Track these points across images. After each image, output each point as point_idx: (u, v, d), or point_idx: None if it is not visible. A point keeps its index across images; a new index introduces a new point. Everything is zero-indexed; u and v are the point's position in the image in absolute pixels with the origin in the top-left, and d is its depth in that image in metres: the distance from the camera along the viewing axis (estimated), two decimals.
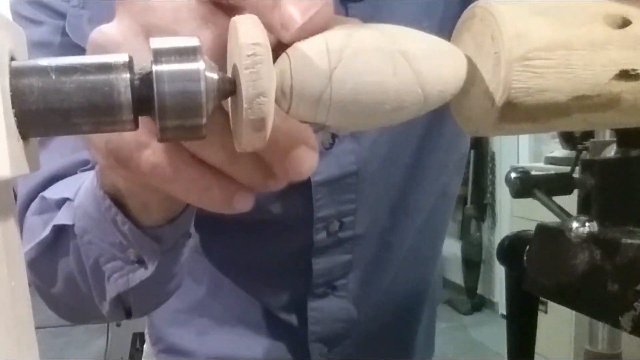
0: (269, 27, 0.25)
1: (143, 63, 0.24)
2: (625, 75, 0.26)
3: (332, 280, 0.63)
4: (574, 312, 0.51)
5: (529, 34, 0.25)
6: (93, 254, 0.43)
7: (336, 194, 0.58)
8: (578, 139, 0.54)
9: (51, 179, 0.52)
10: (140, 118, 0.24)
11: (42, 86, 0.22)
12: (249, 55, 0.23)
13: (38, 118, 0.22)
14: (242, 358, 0.66)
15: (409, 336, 0.72)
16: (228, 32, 0.26)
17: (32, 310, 0.25)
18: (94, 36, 0.29)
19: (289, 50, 0.25)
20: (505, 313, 0.53)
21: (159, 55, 0.23)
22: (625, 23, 0.27)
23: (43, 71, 0.22)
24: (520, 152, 3.57)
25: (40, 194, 0.50)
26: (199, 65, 0.23)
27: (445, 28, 0.29)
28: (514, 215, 2.92)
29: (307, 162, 0.29)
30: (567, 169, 0.48)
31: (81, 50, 0.53)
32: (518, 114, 0.26)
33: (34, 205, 0.50)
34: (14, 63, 0.22)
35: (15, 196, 0.50)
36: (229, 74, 0.26)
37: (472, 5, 0.27)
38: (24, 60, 0.23)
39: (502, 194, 3.74)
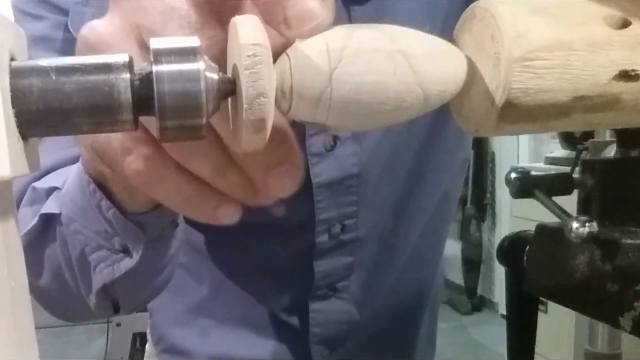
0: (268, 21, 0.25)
1: (143, 63, 0.24)
2: (625, 75, 0.26)
3: (334, 282, 0.63)
4: (574, 312, 0.51)
5: (529, 34, 0.25)
6: (79, 243, 0.43)
7: (338, 196, 0.58)
8: (578, 139, 0.54)
9: (45, 174, 0.51)
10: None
11: (42, 86, 0.22)
12: (249, 56, 0.23)
13: (38, 118, 0.22)
14: (243, 359, 0.66)
15: (410, 337, 0.72)
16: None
17: (32, 310, 0.25)
18: (85, 32, 0.30)
19: (288, 51, 0.25)
20: (505, 313, 0.53)
21: (159, 56, 0.23)
22: (625, 24, 0.27)
23: (43, 71, 0.22)
24: (520, 152, 3.57)
25: (32, 184, 0.49)
26: (199, 65, 0.23)
27: (448, 29, 0.29)
28: (514, 215, 2.92)
29: (289, 181, 0.29)
30: (567, 169, 0.48)
31: None
32: (518, 114, 0.26)
33: (26, 196, 0.50)
34: (14, 63, 0.22)
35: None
36: (229, 74, 0.26)
37: (472, 5, 0.27)
38: (24, 60, 0.23)
39: (502, 194, 3.74)
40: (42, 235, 0.47)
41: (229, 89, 0.25)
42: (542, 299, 0.48)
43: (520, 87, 0.25)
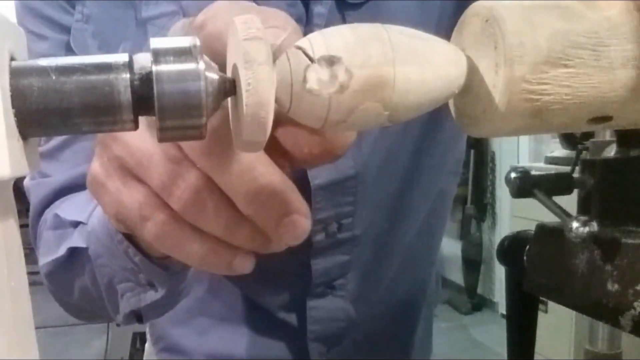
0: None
1: (143, 63, 0.24)
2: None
3: (331, 280, 0.63)
4: (574, 312, 0.51)
5: (530, 35, 0.25)
6: (106, 274, 0.45)
7: (335, 196, 0.58)
8: (578, 139, 0.54)
9: (62, 189, 0.54)
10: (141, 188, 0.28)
11: (42, 86, 0.22)
12: (245, 33, 0.23)
13: (38, 118, 0.22)
14: (241, 357, 0.66)
15: (407, 335, 0.72)
16: (229, 32, 0.26)
17: (32, 310, 0.25)
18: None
19: (289, 51, 0.25)
20: (505, 313, 0.53)
21: (159, 56, 0.23)
22: None
23: (43, 71, 0.22)
24: (520, 152, 3.57)
25: (55, 212, 0.52)
26: (199, 65, 0.23)
27: (442, 30, 0.29)
28: (514, 215, 2.92)
29: (300, 229, 0.31)
30: (567, 169, 0.48)
31: None
32: (518, 114, 0.26)
33: (49, 220, 0.53)
34: (14, 63, 0.22)
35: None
36: (229, 74, 0.26)
37: (473, 5, 0.27)
38: (24, 60, 0.23)
39: (502, 194, 3.74)
40: (70, 264, 0.50)
41: (229, 89, 0.25)
42: (542, 299, 0.48)
43: (521, 87, 0.25)
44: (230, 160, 0.29)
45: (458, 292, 4.06)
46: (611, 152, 0.43)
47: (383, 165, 0.60)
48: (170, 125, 0.24)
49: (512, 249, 0.48)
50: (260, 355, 0.66)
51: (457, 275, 4.10)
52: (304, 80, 0.24)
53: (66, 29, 0.56)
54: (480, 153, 3.87)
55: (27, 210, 0.55)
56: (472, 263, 3.90)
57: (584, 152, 0.48)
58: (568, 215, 0.39)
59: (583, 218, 0.37)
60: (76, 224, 0.50)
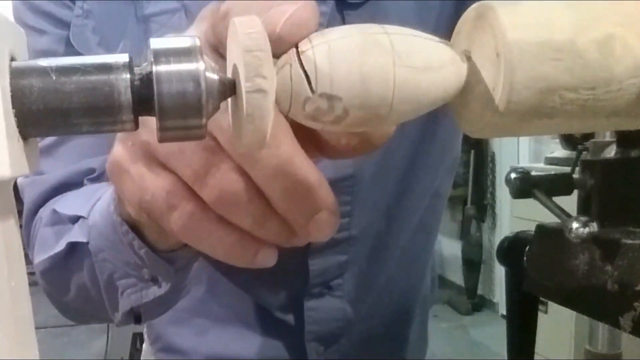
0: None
1: (143, 63, 0.24)
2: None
3: (328, 281, 0.64)
4: (574, 312, 0.51)
5: (527, 22, 0.25)
6: (107, 270, 0.44)
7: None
8: (578, 139, 0.54)
9: (58, 186, 0.53)
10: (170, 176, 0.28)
11: (42, 86, 0.22)
12: (249, 56, 0.23)
13: (38, 118, 0.22)
14: (239, 357, 0.66)
15: (402, 334, 0.72)
16: (228, 32, 0.26)
17: (32, 310, 0.25)
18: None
19: (292, 70, 0.25)
20: (505, 313, 0.53)
21: (159, 56, 0.23)
22: None
23: (43, 71, 0.22)
24: (520, 152, 3.57)
25: (52, 208, 0.51)
26: (199, 65, 0.23)
27: (440, 30, 0.29)
28: (514, 216, 2.92)
29: (329, 226, 0.31)
30: (567, 169, 0.48)
31: None
32: (523, 102, 0.25)
33: (46, 216, 0.52)
34: (14, 63, 0.22)
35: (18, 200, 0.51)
36: (229, 74, 0.26)
37: (473, 5, 0.27)
38: (24, 61, 0.23)
39: (502, 194, 3.74)
40: (68, 260, 0.48)
41: (229, 89, 0.25)
42: (542, 299, 0.48)
43: (523, 72, 0.25)
44: (266, 154, 0.28)
45: (458, 293, 4.06)
46: (611, 152, 0.43)
47: (380, 164, 0.60)
48: (170, 125, 0.24)
49: (512, 249, 0.48)
50: (258, 355, 0.66)
51: (457, 276, 4.10)
52: (303, 105, 0.25)
53: (66, 24, 0.55)
54: (480, 153, 3.87)
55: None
56: (472, 263, 3.90)
57: (584, 152, 0.48)
58: (568, 215, 0.39)
59: (583, 218, 0.37)
60: (76, 219, 0.49)
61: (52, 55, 0.54)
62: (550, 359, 2.19)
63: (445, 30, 0.29)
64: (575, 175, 0.44)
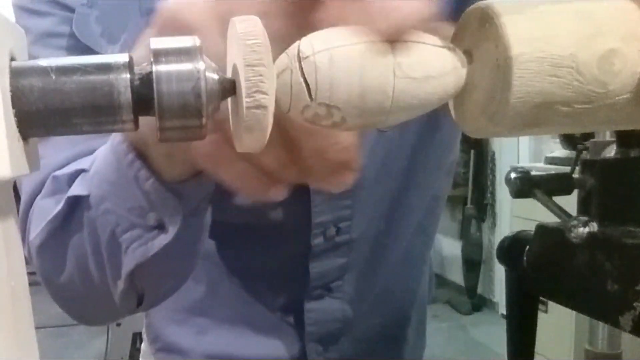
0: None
1: (143, 63, 0.24)
2: None
3: (328, 283, 0.64)
4: (574, 312, 0.51)
5: (531, 36, 0.25)
6: (109, 224, 0.42)
7: (333, 200, 0.59)
8: (578, 139, 0.54)
9: (61, 167, 0.50)
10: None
11: (42, 86, 0.22)
12: (249, 56, 0.23)
13: (38, 118, 0.22)
14: (239, 357, 0.66)
15: (401, 334, 0.73)
16: (228, 32, 0.26)
17: (32, 310, 0.25)
18: (168, 12, 0.30)
19: (288, 51, 0.25)
20: (505, 313, 0.53)
21: (159, 56, 0.23)
22: None
23: (43, 71, 0.22)
24: (520, 152, 3.57)
25: (52, 174, 0.48)
26: (199, 65, 0.23)
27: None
28: (514, 215, 2.92)
29: (346, 182, 0.32)
30: (567, 169, 0.48)
31: (89, 50, 0.53)
32: (518, 114, 0.26)
33: (45, 188, 0.48)
34: (14, 63, 0.22)
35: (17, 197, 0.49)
36: (229, 74, 0.26)
37: (473, 5, 0.27)
38: (24, 60, 0.23)
39: (502, 194, 3.74)
40: (67, 221, 0.45)
41: (229, 89, 0.25)
42: (542, 299, 0.48)
43: (521, 88, 0.25)
44: None
45: (458, 292, 4.06)
46: (611, 152, 0.43)
47: (380, 168, 0.60)
48: (170, 125, 0.24)
49: (512, 249, 0.48)
50: (257, 355, 0.66)
51: (457, 275, 4.10)
52: (302, 111, 0.25)
53: (69, 8, 0.54)
54: (480, 153, 3.87)
55: None
56: (472, 263, 3.90)
57: (584, 152, 0.48)
58: (568, 215, 0.39)
59: (583, 218, 0.37)
60: (76, 175, 0.46)
61: (55, 38, 0.54)
62: (550, 359, 2.19)
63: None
64: (575, 175, 0.44)
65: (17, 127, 0.22)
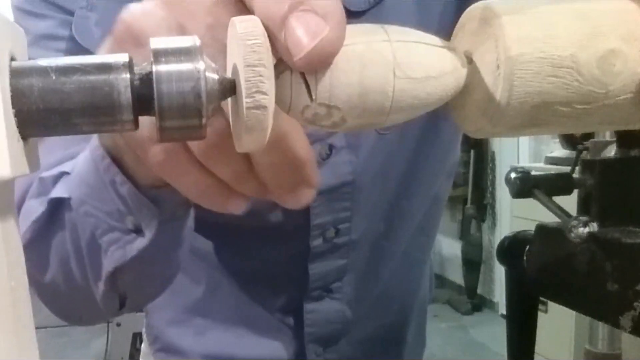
0: (276, 49, 0.24)
1: (143, 63, 0.24)
2: None
3: (328, 284, 0.64)
4: (574, 312, 0.51)
5: (531, 36, 0.25)
6: (89, 226, 0.42)
7: (333, 202, 0.59)
8: (578, 139, 0.54)
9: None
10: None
11: (42, 86, 0.22)
12: (249, 56, 0.23)
13: (38, 118, 0.22)
14: (238, 357, 0.66)
15: (400, 335, 0.73)
16: (228, 32, 0.26)
17: (32, 310, 0.25)
18: (127, 17, 0.31)
19: (293, 79, 0.25)
20: (505, 313, 0.53)
21: (159, 56, 0.23)
22: None
23: (43, 71, 0.22)
24: (520, 152, 3.57)
25: (39, 175, 0.48)
26: (199, 65, 0.23)
27: (442, 34, 0.29)
28: (514, 215, 2.92)
29: (306, 200, 0.32)
30: (567, 169, 0.48)
31: (88, 53, 0.53)
32: (518, 115, 0.26)
33: (32, 188, 0.49)
34: (14, 63, 0.22)
35: None
36: (229, 74, 0.26)
37: (473, 5, 0.27)
38: (24, 61, 0.23)
39: (502, 194, 3.74)
40: (50, 222, 0.46)
41: (229, 89, 0.25)
42: (542, 299, 0.48)
43: (521, 88, 0.25)
44: None
45: (458, 292, 4.06)
46: (611, 152, 0.43)
47: (380, 170, 0.60)
48: (170, 125, 0.24)
49: (512, 249, 0.48)
50: (257, 356, 0.66)
51: (457, 276, 4.10)
52: (302, 111, 0.25)
53: (69, 12, 0.54)
54: (480, 153, 3.87)
55: None
56: (472, 263, 3.90)
57: (584, 152, 0.48)
58: (568, 215, 0.39)
59: (583, 218, 0.37)
60: (59, 177, 0.47)
61: (53, 40, 0.54)
62: (550, 359, 2.19)
63: (447, 30, 0.29)
64: (575, 175, 0.44)
65: (17, 127, 0.22)
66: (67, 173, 0.46)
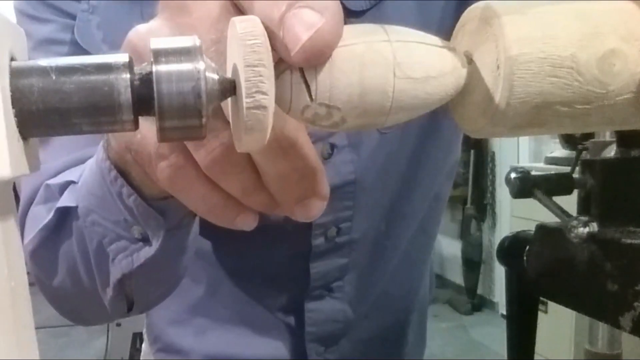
0: (276, 49, 0.24)
1: (143, 63, 0.24)
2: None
3: (329, 283, 0.64)
4: (574, 312, 0.51)
5: (531, 36, 0.25)
6: (97, 235, 0.43)
7: (334, 201, 0.59)
8: (578, 139, 0.54)
9: (57, 175, 0.51)
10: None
11: (42, 86, 0.22)
12: (249, 56, 0.23)
13: (38, 118, 0.22)
14: (239, 357, 0.66)
15: (401, 334, 0.73)
16: (229, 32, 0.26)
17: (32, 310, 0.25)
18: (132, 37, 0.31)
19: (293, 80, 0.25)
20: (505, 313, 0.53)
21: (159, 56, 0.23)
22: None
23: (43, 71, 0.22)
24: (520, 152, 3.57)
25: (45, 182, 0.49)
26: (199, 65, 0.23)
27: (442, 34, 0.29)
28: (514, 215, 2.92)
29: (316, 211, 0.31)
30: (567, 169, 0.48)
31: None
32: (518, 115, 0.26)
33: (39, 195, 0.50)
34: (14, 63, 0.22)
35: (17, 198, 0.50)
36: (229, 74, 0.26)
37: (473, 5, 0.27)
38: (24, 61, 0.23)
39: (502, 194, 3.74)
40: (57, 230, 0.46)
41: (229, 89, 0.25)
42: (542, 299, 0.48)
43: (521, 88, 0.25)
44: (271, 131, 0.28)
45: (458, 292, 4.06)
46: (611, 152, 0.43)
47: (382, 170, 0.60)
48: (170, 125, 0.24)
49: (512, 249, 0.48)
50: (257, 356, 0.66)
51: (457, 276, 4.11)
52: (302, 111, 0.25)
53: (71, 15, 0.54)
54: (480, 153, 3.87)
55: None
56: (472, 263, 3.90)
57: (584, 152, 0.48)
58: (568, 215, 0.39)
59: (583, 218, 0.37)
60: (66, 186, 0.47)
61: (55, 45, 0.54)
62: (550, 359, 2.19)
63: (447, 31, 0.29)
64: (575, 175, 0.44)
65: (17, 127, 0.22)
66: (74, 182, 0.46)
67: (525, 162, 3.41)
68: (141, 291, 0.47)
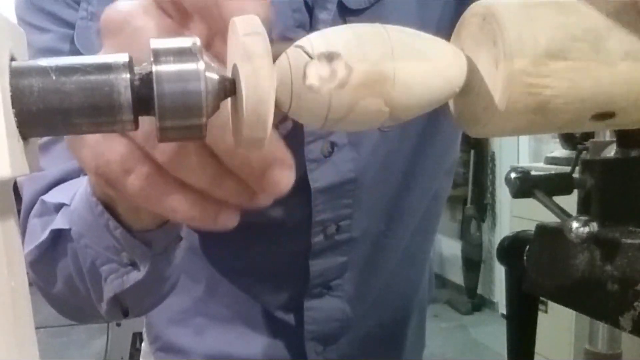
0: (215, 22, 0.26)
1: (143, 63, 0.24)
2: None
3: (328, 281, 0.64)
4: (574, 312, 0.51)
5: (530, 35, 0.25)
6: (89, 257, 0.45)
7: (334, 199, 0.59)
8: (578, 139, 0.54)
9: (55, 183, 0.53)
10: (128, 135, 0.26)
11: (42, 86, 0.22)
12: (248, 55, 0.23)
13: (38, 118, 0.22)
14: (239, 357, 0.66)
15: (400, 333, 0.73)
16: (229, 32, 0.26)
17: (32, 310, 0.25)
18: (109, 13, 0.31)
19: (288, 50, 0.25)
20: (505, 313, 0.53)
21: (159, 56, 0.23)
22: None
23: (43, 71, 0.22)
24: (520, 152, 3.57)
25: (41, 197, 0.51)
26: (199, 65, 0.23)
27: (442, 33, 0.29)
28: (514, 215, 2.92)
29: (283, 181, 0.30)
30: (567, 169, 0.48)
31: None
32: (518, 115, 0.26)
33: (35, 208, 0.51)
34: (14, 63, 0.22)
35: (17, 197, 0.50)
36: (229, 74, 0.26)
37: (473, 5, 0.27)
38: (24, 61, 0.23)
39: (502, 194, 3.74)
40: (53, 249, 0.48)
41: (229, 89, 0.25)
42: (542, 299, 0.48)
43: (521, 88, 0.25)
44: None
45: (458, 292, 4.06)
46: (611, 152, 0.43)
47: (381, 168, 0.60)
48: (170, 125, 0.24)
49: (512, 249, 0.48)
50: (257, 355, 0.66)
51: (457, 275, 4.10)
52: (304, 76, 0.24)
53: (70, 25, 0.55)
54: (480, 153, 3.87)
55: None
56: (472, 263, 3.90)
57: (584, 152, 0.48)
58: (568, 215, 0.39)
59: (583, 218, 0.37)
60: (59, 207, 0.49)
61: (54, 54, 0.54)
62: (550, 359, 2.19)
63: (446, 30, 0.29)
64: (575, 175, 0.43)
65: (17, 127, 0.22)
66: (66, 205, 0.48)
67: (525, 162, 3.41)
68: (135, 303, 0.48)
